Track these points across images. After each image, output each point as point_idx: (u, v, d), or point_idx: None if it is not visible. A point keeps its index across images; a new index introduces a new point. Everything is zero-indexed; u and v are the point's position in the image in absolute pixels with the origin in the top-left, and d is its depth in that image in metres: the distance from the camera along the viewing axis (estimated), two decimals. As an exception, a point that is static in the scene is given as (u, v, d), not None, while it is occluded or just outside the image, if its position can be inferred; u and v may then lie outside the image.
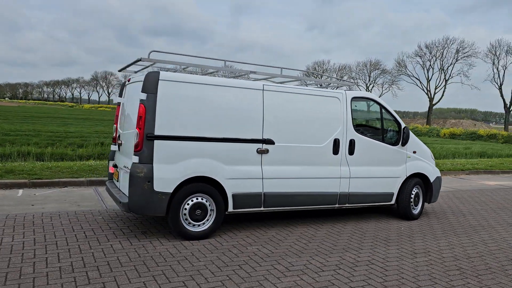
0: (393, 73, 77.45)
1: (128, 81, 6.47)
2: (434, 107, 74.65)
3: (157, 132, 5.45)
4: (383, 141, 7.19)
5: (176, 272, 4.56)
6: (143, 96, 5.43)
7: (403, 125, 7.39)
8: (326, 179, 6.62)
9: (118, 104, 7.06)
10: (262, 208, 6.16)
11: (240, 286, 4.25)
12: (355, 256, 5.38)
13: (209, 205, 5.80)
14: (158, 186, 5.44)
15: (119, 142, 6.36)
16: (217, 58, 6.92)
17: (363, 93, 7.19)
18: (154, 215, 5.56)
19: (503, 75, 66.76)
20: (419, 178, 7.59)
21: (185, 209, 5.65)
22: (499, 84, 64.02)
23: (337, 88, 7.71)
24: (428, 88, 72.67)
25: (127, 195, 5.61)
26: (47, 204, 7.49)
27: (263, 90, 6.20)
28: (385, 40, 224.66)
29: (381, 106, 7.25)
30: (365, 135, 7.02)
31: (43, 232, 5.79)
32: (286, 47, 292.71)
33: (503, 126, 65.97)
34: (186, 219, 5.68)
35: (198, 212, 5.72)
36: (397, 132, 7.37)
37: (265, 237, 6.06)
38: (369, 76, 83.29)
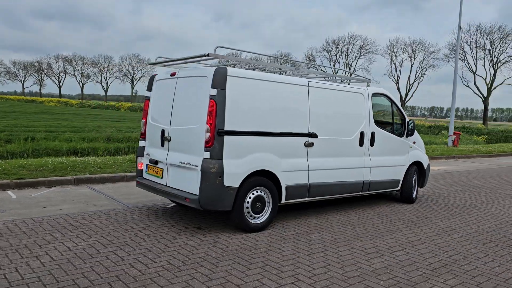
0: (303, 66, 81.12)
1: (172, 75, 6.30)
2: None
3: (226, 127, 5.49)
4: (393, 133, 7.95)
5: (277, 262, 4.74)
6: (213, 91, 5.42)
7: (407, 118, 8.23)
8: (355, 168, 7.17)
9: (147, 98, 6.83)
10: (306, 199, 6.51)
11: (344, 264, 4.59)
12: (401, 237, 6.00)
13: (266, 197, 5.99)
14: (227, 181, 5.50)
15: (167, 137, 6.17)
16: (273, 56, 7.11)
17: (380, 89, 7.88)
18: (223, 210, 5.59)
19: (400, 70, 73.82)
20: (416, 166, 8.52)
21: (248, 202, 5.77)
22: (396, 78, 70.86)
23: (348, 83, 8.29)
24: (335, 81, 77.53)
25: (192, 191, 5.57)
26: (59, 205, 6.96)
27: (308, 86, 6.53)
28: (288, 34, 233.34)
29: (392, 101, 8.02)
30: (382, 128, 7.70)
31: (96, 234, 5.49)
32: (191, 37, 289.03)
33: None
34: (248, 212, 5.80)
35: (258, 205, 5.88)
36: (402, 125, 8.18)
37: (312, 225, 6.42)
38: (279, 69, 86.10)
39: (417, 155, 8.48)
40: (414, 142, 8.47)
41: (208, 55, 5.69)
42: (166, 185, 6.14)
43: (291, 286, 4.12)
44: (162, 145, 6.26)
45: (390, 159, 7.84)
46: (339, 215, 7.15)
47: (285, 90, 6.20)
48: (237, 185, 5.58)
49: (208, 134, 5.41)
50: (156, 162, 6.39)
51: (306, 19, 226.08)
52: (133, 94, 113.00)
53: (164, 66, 6.68)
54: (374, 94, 7.66)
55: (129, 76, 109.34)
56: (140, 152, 6.83)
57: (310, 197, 6.55)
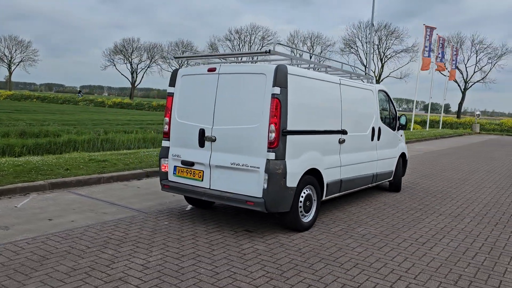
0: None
1: (211, 70, 5.88)
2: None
3: (289, 127, 5.35)
4: (389, 127, 8.46)
5: (359, 258, 4.82)
6: (277, 90, 5.22)
7: (398, 113, 8.81)
8: (369, 162, 7.51)
9: (170, 94, 6.30)
10: (337, 194, 6.65)
11: (409, 252, 4.86)
12: (428, 225, 6.50)
13: (313, 195, 5.99)
14: (289, 182, 5.38)
15: (211, 137, 5.74)
16: (328, 58, 7.07)
17: (382, 86, 8.29)
18: (283, 211, 5.46)
19: (300, 62, 76.97)
20: (401, 157, 9.19)
21: (301, 201, 5.72)
22: (296, 69, 74.26)
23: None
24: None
25: (253, 194, 5.33)
26: (63, 216, 6.10)
27: (340, 84, 6.62)
28: (184, 21, 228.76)
29: (389, 97, 8.50)
30: (384, 122, 8.15)
31: (152, 247, 4.98)
32: (75, 19, 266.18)
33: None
34: (301, 212, 5.76)
35: (308, 203, 5.86)
36: (394, 119, 8.74)
37: (348, 218, 6.60)
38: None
39: (403, 147, 9.15)
40: (401, 135, 9.12)
41: (269, 52, 5.45)
42: (210, 188, 5.77)
43: (402, 278, 4.25)
44: (202, 145, 5.84)
45: (388, 152, 8.35)
46: (354, 208, 7.43)
47: (326, 88, 6.24)
48: (296, 185, 5.50)
49: (273, 134, 5.21)
50: (191, 164, 5.94)
51: (202, 6, 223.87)
52: (5, 80, 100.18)
53: (203, 59, 6.22)
54: (379, 91, 8.06)
55: (6, 60, 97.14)
56: (164, 153, 6.29)
57: (340, 192, 6.71)
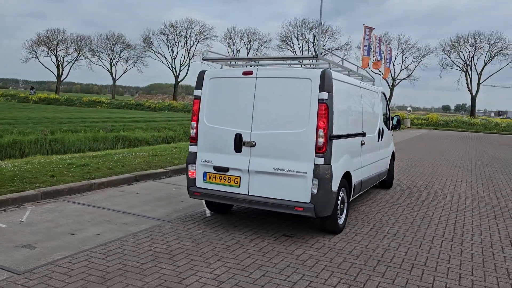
0: (139, 48, 77.81)
1: (248, 74, 5.72)
2: (179, 84, 79.70)
3: (334, 132, 5.40)
4: (386, 126, 8.83)
5: (406, 258, 5.03)
6: (325, 95, 5.24)
7: (390, 113, 9.22)
8: (376, 162, 7.80)
9: (197, 97, 6.06)
10: (358, 194, 6.85)
11: (446, 248, 5.19)
12: (444, 219, 6.93)
13: (345, 197, 6.11)
14: (333, 186, 5.44)
15: (251, 142, 5.59)
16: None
17: (382, 88, 8.60)
18: (327, 215, 5.50)
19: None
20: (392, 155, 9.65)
21: (338, 204, 5.81)
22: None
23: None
24: (174, 65, 76.87)
25: (300, 199, 5.31)
26: (83, 230, 5.65)
27: (361, 87, 6.79)
28: (110, 12, 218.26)
29: (386, 98, 8.85)
30: (384, 123, 8.49)
31: (208, 258, 4.79)
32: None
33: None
34: (338, 214, 5.85)
35: (342, 206, 5.97)
36: (388, 119, 9.13)
37: (367, 218, 6.81)
38: (113, 51, 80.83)
39: (393, 145, 9.61)
40: (392, 135, 9.56)
41: (317, 57, 5.43)
42: (249, 194, 5.65)
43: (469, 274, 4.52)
44: (238, 150, 5.69)
45: (385, 151, 8.72)
46: (363, 207, 7.69)
47: (354, 92, 6.38)
48: (337, 189, 5.58)
49: (322, 140, 5.23)
50: (226, 170, 5.78)
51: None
52: None
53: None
54: (381, 92, 8.39)
55: None
56: (192, 158, 6.04)
57: (360, 192, 6.91)
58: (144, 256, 4.77)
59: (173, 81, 78.34)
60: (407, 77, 65.05)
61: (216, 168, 5.85)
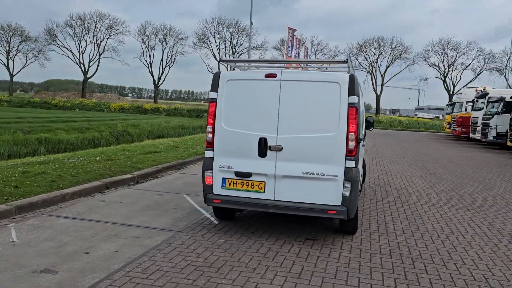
0: (41, 41, 71.52)
1: (271, 76, 5.58)
2: (88, 81, 74.83)
3: (360, 135, 5.51)
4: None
5: (441, 254, 5.36)
6: (355, 99, 5.32)
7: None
8: (363, 163, 8.11)
9: (213, 100, 5.79)
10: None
11: (464, 244, 5.67)
12: (438, 217, 7.46)
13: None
14: (359, 188, 5.57)
15: (277, 147, 5.45)
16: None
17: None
18: (353, 217, 5.60)
19: (153, 54, 74.21)
20: None
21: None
22: (148, 62, 71.71)
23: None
24: (82, 61, 71.99)
25: (331, 202, 5.35)
26: (96, 248, 5.13)
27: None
28: (2, 0, 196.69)
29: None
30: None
31: (246, 267, 4.63)
32: None
33: (153, 100, 75.18)
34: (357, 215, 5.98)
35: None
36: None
37: (365, 217, 7.08)
38: (9, 43, 73.27)
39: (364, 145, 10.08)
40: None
41: (346, 61, 5.47)
42: (274, 200, 5.54)
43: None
44: (263, 155, 5.55)
45: (363, 151, 9.12)
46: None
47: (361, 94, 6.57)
48: (359, 191, 5.72)
49: (353, 143, 5.31)
50: (249, 175, 5.60)
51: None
52: None
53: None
54: None
55: None
56: (209, 164, 5.76)
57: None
58: (189, 271, 4.46)
59: (77, 77, 73.31)
60: (320, 77, 68.31)
61: (238, 174, 5.64)
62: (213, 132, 5.76)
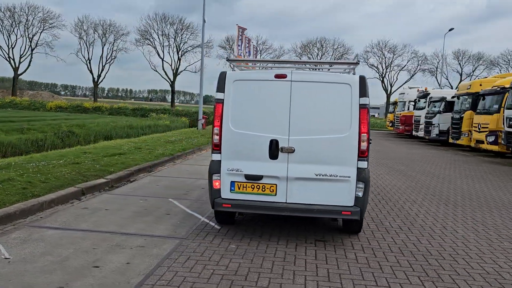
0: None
1: (281, 77, 5.45)
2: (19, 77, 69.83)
3: (371, 136, 5.57)
4: None
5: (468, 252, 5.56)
6: (366, 100, 5.35)
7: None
8: None
9: (219, 101, 5.58)
10: None
11: (470, 240, 5.96)
12: (433, 215, 7.74)
13: None
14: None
15: (290, 148, 5.34)
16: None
17: None
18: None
19: (92, 50, 70.52)
20: None
21: None
22: (86, 58, 68.17)
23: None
24: (12, 56, 66.98)
25: (344, 203, 5.35)
26: (104, 261, 4.75)
27: None
28: None
29: None
30: None
31: (274, 275, 4.52)
32: None
33: (93, 99, 71.75)
34: None
35: None
36: None
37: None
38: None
39: None
40: None
41: (358, 63, 5.46)
42: (286, 202, 5.45)
43: None
44: (274, 157, 5.42)
45: None
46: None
47: None
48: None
49: (365, 144, 5.35)
50: (259, 178, 5.46)
51: None
52: None
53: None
54: None
55: None
56: (216, 168, 5.54)
57: None
58: (217, 281, 4.25)
59: (3, 73, 68.16)
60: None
61: (248, 177, 5.48)
62: (220, 134, 5.55)
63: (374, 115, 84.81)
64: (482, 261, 5.19)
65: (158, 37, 66.62)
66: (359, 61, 5.81)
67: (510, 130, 16.55)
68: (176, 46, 67.01)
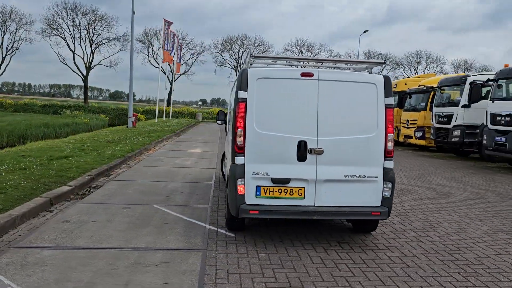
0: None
1: (308, 76, 5.20)
2: None
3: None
4: None
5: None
6: (391, 100, 5.34)
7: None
8: None
9: (242, 100, 5.19)
10: None
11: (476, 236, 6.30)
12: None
13: None
14: None
15: (319, 150, 5.10)
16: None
17: None
18: None
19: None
20: None
21: None
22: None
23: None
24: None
25: (372, 204, 5.30)
26: (133, 285, 4.20)
27: None
28: None
29: None
30: None
31: (329, 283, 4.34)
32: None
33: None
34: None
35: None
36: None
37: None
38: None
39: None
40: None
41: (385, 62, 5.37)
42: (315, 205, 5.24)
43: None
44: (302, 159, 5.18)
45: None
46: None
47: None
48: None
49: (391, 144, 5.33)
50: (287, 181, 5.19)
51: None
52: None
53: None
54: None
55: None
56: (241, 172, 5.15)
57: None
58: (279, 296, 3.93)
59: None
60: (185, 72, 67.63)
61: (275, 181, 5.18)
62: (244, 136, 5.17)
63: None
64: (501, 254, 5.44)
65: (68, 28, 61.90)
66: (385, 60, 5.78)
67: (438, 126, 18.03)
68: (89, 38, 62.80)
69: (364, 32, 48.52)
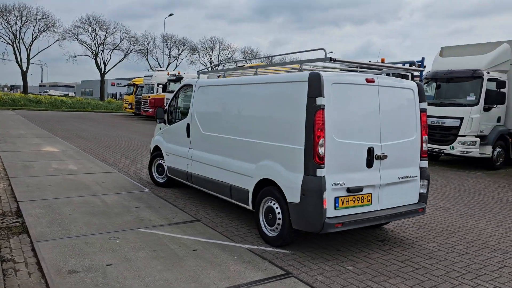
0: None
1: (371, 81, 5.19)
2: None
3: None
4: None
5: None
6: (424, 105, 5.82)
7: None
8: None
9: (320, 108, 4.81)
10: None
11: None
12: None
13: None
14: None
15: (384, 156, 5.10)
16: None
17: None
18: None
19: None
20: None
21: None
22: None
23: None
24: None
25: (412, 201, 5.74)
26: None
27: None
28: None
29: None
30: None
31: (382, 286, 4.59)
32: None
33: None
34: None
35: None
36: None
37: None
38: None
39: None
40: None
41: (425, 67, 5.65)
42: (379, 209, 5.34)
43: None
44: (369, 165, 5.17)
45: None
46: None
47: None
48: None
49: (425, 145, 5.83)
50: (361, 189, 5.11)
51: None
52: None
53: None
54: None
55: None
56: (324, 184, 4.78)
57: None
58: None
59: None
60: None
61: (350, 190, 5.05)
62: (325, 146, 4.81)
63: (67, 94, 78.99)
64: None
65: None
66: (424, 67, 6.11)
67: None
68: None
69: (169, 15, 48.15)
